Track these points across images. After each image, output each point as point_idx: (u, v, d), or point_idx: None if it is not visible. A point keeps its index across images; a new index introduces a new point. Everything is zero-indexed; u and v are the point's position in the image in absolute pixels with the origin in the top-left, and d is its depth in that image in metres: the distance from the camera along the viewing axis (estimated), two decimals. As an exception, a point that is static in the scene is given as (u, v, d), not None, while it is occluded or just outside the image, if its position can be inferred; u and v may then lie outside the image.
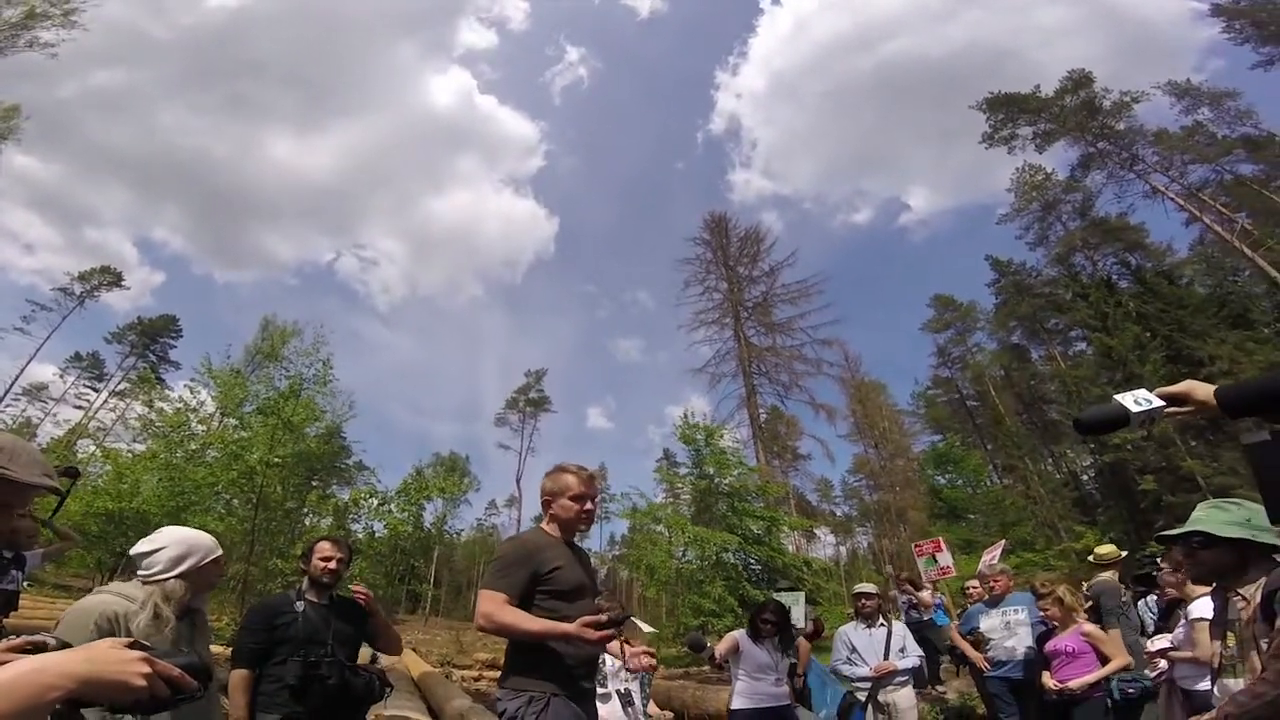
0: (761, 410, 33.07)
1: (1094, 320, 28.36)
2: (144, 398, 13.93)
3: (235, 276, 68.15)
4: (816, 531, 32.36)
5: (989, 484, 31.24)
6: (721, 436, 19.09)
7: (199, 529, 2.35)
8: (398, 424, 74.49)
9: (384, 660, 4.28)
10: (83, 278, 36.86)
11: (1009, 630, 4.51)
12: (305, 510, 14.93)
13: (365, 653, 3.22)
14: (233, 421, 13.19)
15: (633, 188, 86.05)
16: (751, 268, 35.98)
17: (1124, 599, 4.69)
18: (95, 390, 37.83)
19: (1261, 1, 24.34)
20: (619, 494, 19.08)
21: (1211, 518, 1.98)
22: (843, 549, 41.72)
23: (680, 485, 20.32)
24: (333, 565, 3.06)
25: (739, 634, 4.30)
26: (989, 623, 4.70)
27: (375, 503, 13.33)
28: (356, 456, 19.40)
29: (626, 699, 3.81)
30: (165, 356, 39.20)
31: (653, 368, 75.11)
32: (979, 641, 4.75)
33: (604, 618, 2.26)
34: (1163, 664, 3.17)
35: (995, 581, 4.90)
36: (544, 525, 2.69)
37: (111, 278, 37.99)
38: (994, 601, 4.80)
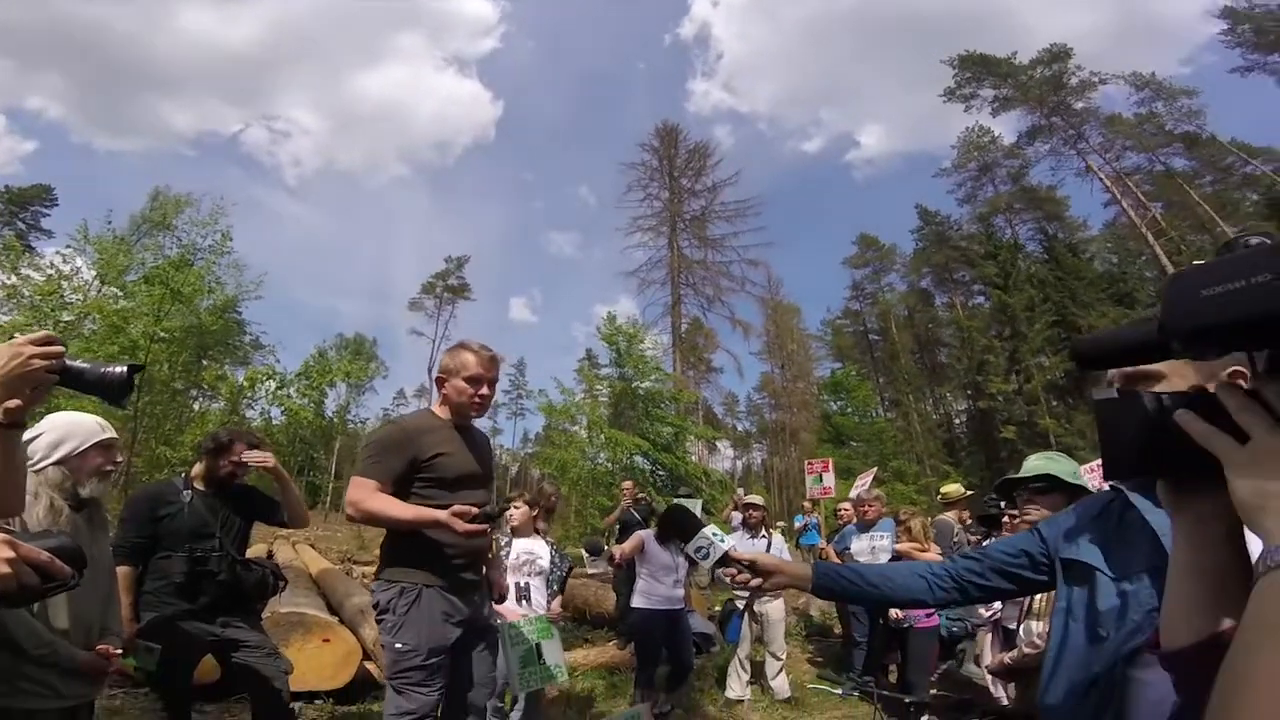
0: (684, 320, 34.27)
1: (998, 278, 31.03)
2: (9, 264, 11.80)
3: (121, 145, 58.41)
4: (718, 444, 34.51)
5: (875, 415, 34.35)
6: (642, 341, 19.37)
7: (76, 411, 2.13)
8: (301, 304, 69.64)
9: (279, 556, 4.24)
10: None
11: (873, 554, 4.90)
12: (194, 393, 13.77)
13: (260, 547, 3.15)
14: (114, 291, 11.78)
15: (589, 81, 79.38)
16: (695, 181, 36.37)
17: (956, 538, 5.14)
18: None
19: (1274, 9, 24.89)
20: (538, 390, 19.16)
21: (1054, 466, 2.29)
22: (739, 463, 44.89)
23: (599, 386, 20.70)
24: (243, 475, 2.87)
25: (645, 534, 4.40)
26: (858, 545, 5.07)
27: (273, 385, 12.55)
28: (253, 334, 17.70)
29: (524, 593, 3.76)
30: (36, 225, 34.24)
31: (586, 264, 73.35)
32: (847, 562, 5.23)
33: (474, 510, 2.14)
34: (997, 604, 3.45)
35: (869, 507, 5.20)
36: (434, 407, 2.51)
37: None
38: (865, 526, 5.14)
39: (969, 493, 6.04)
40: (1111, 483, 1.21)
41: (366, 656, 4.05)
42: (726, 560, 1.45)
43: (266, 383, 12.61)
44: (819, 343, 40.42)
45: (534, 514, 4.15)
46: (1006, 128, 39.49)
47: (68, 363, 1.15)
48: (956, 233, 35.82)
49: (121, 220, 14.15)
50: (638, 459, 16.95)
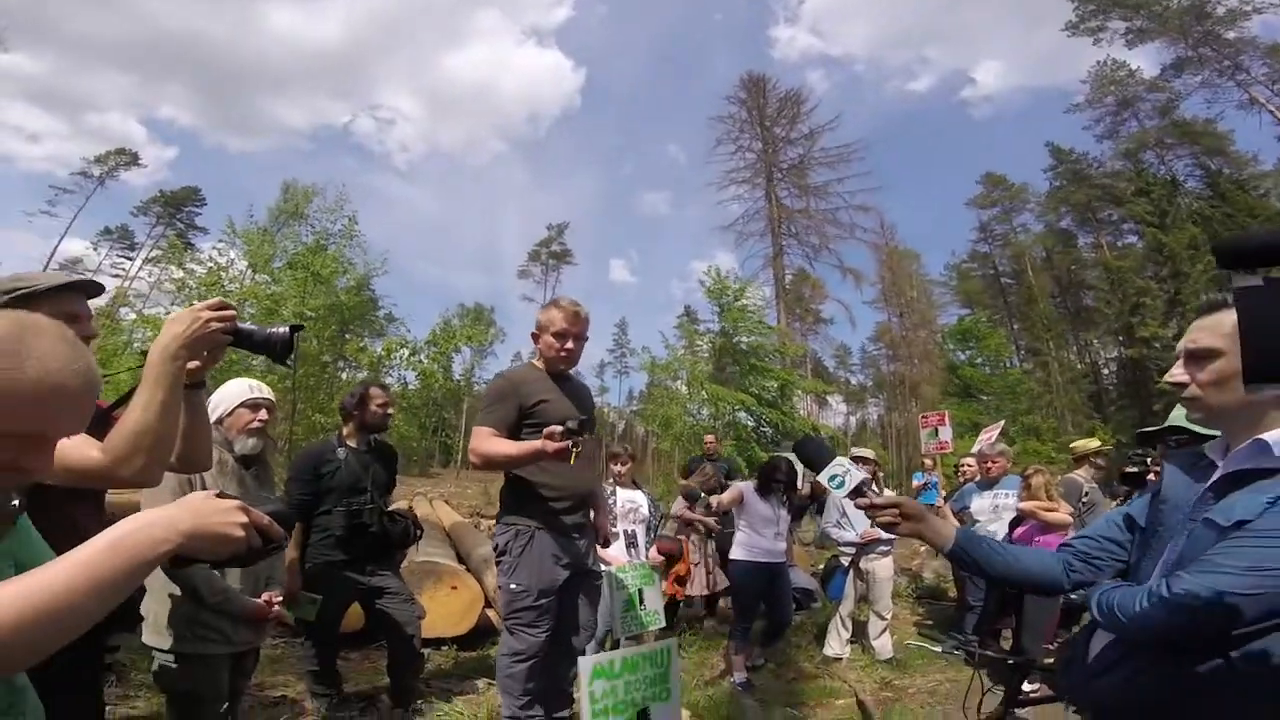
0: (788, 271, 33.12)
1: (1151, 215, 27.64)
2: (176, 261, 13.85)
3: (249, 145, 65.83)
4: (829, 398, 33.30)
5: (1009, 366, 31.29)
6: (745, 294, 18.91)
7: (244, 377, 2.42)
8: (422, 279, 75.59)
9: (417, 510, 4.66)
10: (99, 160, 37.31)
11: (995, 514, 4.58)
12: (340, 365, 15.44)
13: (401, 504, 3.47)
14: (264, 278, 13.22)
15: (666, 38, 76.41)
16: (789, 129, 34.68)
17: (1086, 496, 4.58)
18: (129, 259, 38.56)
19: None
20: (640, 348, 19.41)
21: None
22: (853, 418, 43.19)
23: (700, 342, 20.61)
24: (390, 409, 3.18)
25: (745, 486, 4.37)
26: (979, 504, 4.78)
27: (406, 353, 13.43)
28: (385, 309, 19.80)
29: (631, 540, 4.00)
30: (192, 224, 39.41)
31: (679, 222, 72.51)
32: (965, 522, 4.80)
33: (560, 428, 2.21)
34: None
35: (993, 463, 4.89)
36: (534, 360, 2.70)
37: (128, 158, 38.50)
38: (987, 483, 4.84)
39: (1103, 446, 5.35)
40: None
41: (488, 604, 4.35)
42: (862, 490, 1.42)
43: (401, 351, 13.62)
44: (942, 289, 37.39)
45: (628, 466, 4.35)
46: (1145, 61, 35.59)
47: (239, 325, 1.28)
48: (1098, 170, 31.93)
49: (261, 213, 16.08)
50: (741, 415, 16.79)
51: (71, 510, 1.35)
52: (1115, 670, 1.21)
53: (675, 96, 75.99)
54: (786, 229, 33.29)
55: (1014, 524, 4.23)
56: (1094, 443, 5.47)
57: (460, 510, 9.61)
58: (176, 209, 39.61)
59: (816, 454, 1.51)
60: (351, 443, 3.12)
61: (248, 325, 1.30)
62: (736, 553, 4.19)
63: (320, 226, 14.75)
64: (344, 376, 15.56)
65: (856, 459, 4.88)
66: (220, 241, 13.91)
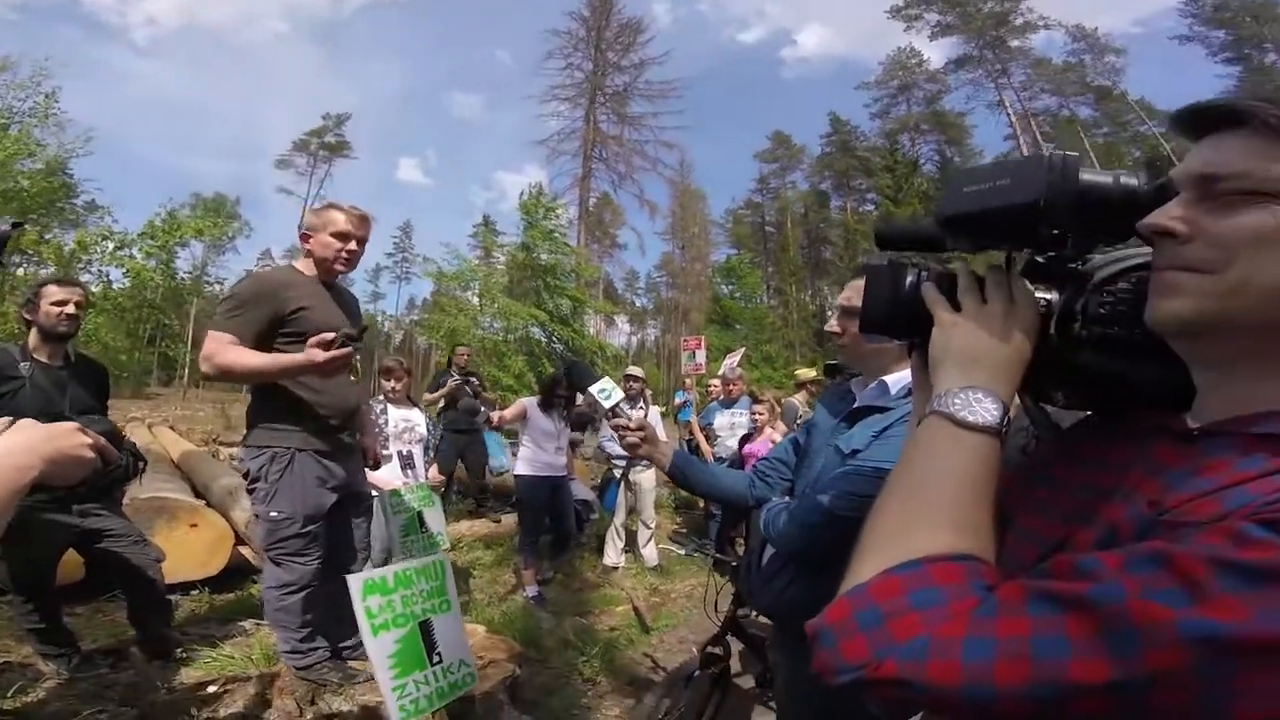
0: (592, 195, 33.47)
1: (890, 189, 33.40)
2: None
3: None
4: (616, 318, 35.16)
5: (759, 302, 36.37)
6: (558, 215, 18.61)
7: None
8: (153, 164, 60.93)
9: (134, 438, 3.87)
10: None
11: (732, 430, 5.22)
12: (17, 261, 11.81)
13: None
14: None
15: None
16: (622, 56, 34.81)
17: (801, 418, 5.10)
18: None
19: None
20: (423, 257, 17.99)
21: None
22: (634, 338, 46.12)
23: (497, 253, 19.85)
24: (70, 310, 2.52)
25: (528, 401, 4.39)
26: (720, 420, 5.41)
27: (111, 246, 10.99)
28: (88, 195, 15.26)
29: (407, 461, 3.75)
30: None
31: (493, 129, 66.97)
32: (710, 436, 5.47)
33: (332, 336, 2.02)
34: None
35: (734, 386, 5.52)
36: (297, 263, 2.42)
37: None
38: (728, 403, 5.46)
39: (820, 377, 6.32)
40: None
41: (240, 541, 3.90)
42: (616, 411, 1.59)
43: (104, 244, 11.01)
44: (719, 229, 41.25)
45: (403, 383, 4.05)
46: (938, 53, 40.95)
47: None
48: (861, 143, 37.57)
49: None
50: (534, 330, 16.87)
51: None
52: (777, 579, 1.36)
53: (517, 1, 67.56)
54: (598, 153, 33.65)
55: (744, 440, 4.91)
56: (811, 372, 6.59)
57: (191, 438, 8.08)
58: None
59: (584, 375, 1.70)
60: (41, 356, 2.51)
61: None
62: (520, 468, 4.27)
63: (3, 104, 11.93)
64: (21, 273, 11.96)
65: (629, 376, 5.14)
66: None
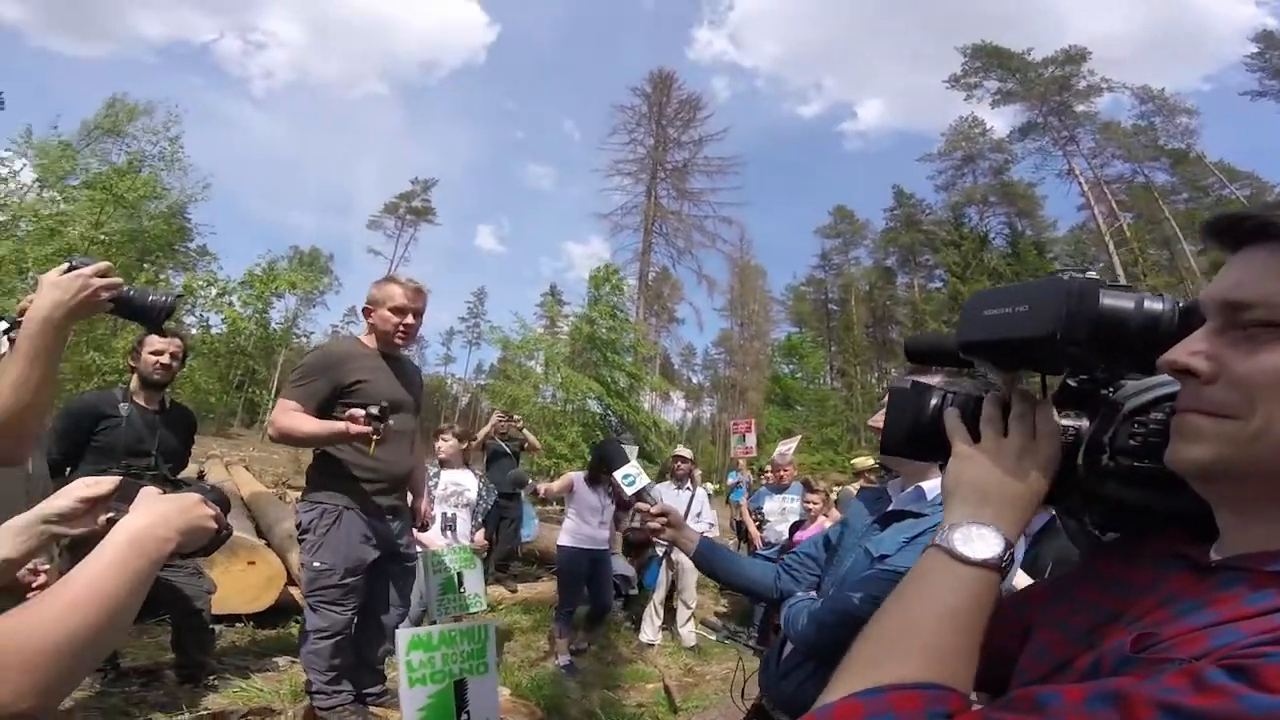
0: (652, 269, 34.37)
1: (957, 266, 32.16)
2: None
3: (82, 50, 52.79)
4: (672, 394, 35.24)
5: (822, 382, 35.52)
6: (623, 292, 19.41)
7: None
8: (257, 217, 66.69)
9: (211, 476, 4.20)
10: None
11: (782, 515, 5.29)
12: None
13: (190, 468, 3.14)
14: (54, 195, 11.18)
15: (591, 14, 74.85)
16: (682, 132, 36.11)
17: None
18: None
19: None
20: (490, 326, 18.92)
21: None
22: (689, 414, 45.91)
23: (561, 324, 20.64)
24: (165, 360, 2.81)
25: (576, 475, 4.50)
26: (770, 505, 5.39)
27: (214, 292, 11.96)
28: (202, 239, 17.10)
29: (449, 523, 3.90)
30: None
31: (561, 200, 71.37)
32: (759, 521, 5.49)
33: (364, 411, 2.25)
34: None
35: (784, 471, 5.53)
36: (362, 335, 2.62)
37: None
38: (779, 488, 5.46)
39: (875, 464, 6.17)
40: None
41: (292, 582, 4.04)
42: (644, 495, 1.61)
43: (207, 290, 11.99)
44: (780, 306, 41.19)
45: (463, 447, 4.29)
46: (1001, 121, 39.83)
47: (123, 291, 1.22)
48: (927, 216, 36.79)
49: (72, 125, 13.71)
50: (590, 402, 17.18)
51: None
52: (793, 675, 1.34)
53: (585, 74, 74.64)
54: (658, 228, 34.71)
55: (795, 527, 4.84)
56: (869, 460, 6.46)
57: (263, 479, 8.57)
58: (-42, 110, 30.37)
59: (615, 455, 1.73)
60: (139, 400, 2.79)
61: (129, 290, 1.24)
62: (563, 539, 4.35)
63: (138, 147, 13.35)
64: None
65: (678, 457, 5.35)
66: (7, 150, 11.59)
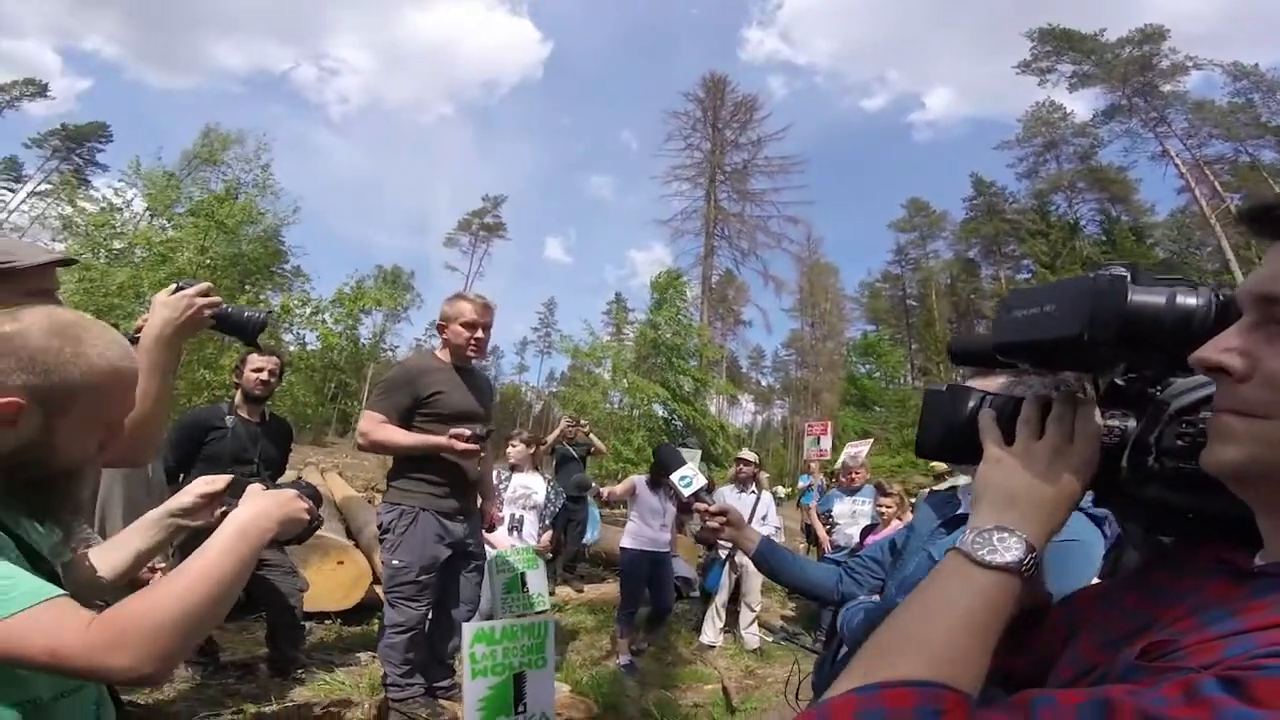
0: (715, 272, 34.09)
1: (1046, 255, 30.06)
2: (67, 196, 12.61)
3: (174, 82, 59.21)
4: (740, 398, 34.73)
5: (902, 382, 33.88)
6: (684, 297, 19.52)
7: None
8: (341, 238, 71.25)
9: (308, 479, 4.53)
10: (1, 89, 32.82)
11: (853, 518, 5.17)
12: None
13: (289, 474, 3.44)
14: (163, 223, 12.42)
15: (640, 24, 75.60)
16: (739, 134, 35.70)
17: None
18: (11, 191, 33.73)
19: None
20: (560, 336, 19.42)
21: None
22: (759, 418, 45.07)
23: (626, 330, 20.94)
24: (264, 376, 3.09)
25: (638, 479, 4.60)
26: (840, 508, 5.32)
27: (308, 311, 12.76)
28: (296, 260, 18.58)
29: (516, 524, 4.07)
30: (92, 160, 34.91)
31: (622, 209, 72.51)
32: (829, 524, 5.39)
33: (468, 432, 2.47)
34: None
35: (856, 473, 5.43)
36: (436, 350, 2.80)
37: (35, 88, 34.19)
38: (850, 491, 5.35)
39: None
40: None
41: (377, 580, 4.29)
42: (700, 495, 1.64)
43: (302, 309, 12.82)
44: (854, 304, 39.80)
45: (532, 451, 4.47)
46: (1081, 105, 37.44)
47: (222, 308, 1.38)
48: (1011, 206, 34.73)
49: (173, 156, 15.05)
50: (656, 407, 17.29)
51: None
52: None
53: (639, 83, 75.63)
54: (720, 231, 34.38)
55: (866, 531, 4.71)
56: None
57: (354, 484, 9.24)
58: (77, 144, 35.12)
59: (671, 459, 1.77)
60: (242, 413, 3.08)
61: (228, 308, 1.40)
62: (625, 541, 4.46)
63: (233, 175, 14.42)
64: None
65: (740, 460, 5.29)
66: (120, 181, 12.89)
